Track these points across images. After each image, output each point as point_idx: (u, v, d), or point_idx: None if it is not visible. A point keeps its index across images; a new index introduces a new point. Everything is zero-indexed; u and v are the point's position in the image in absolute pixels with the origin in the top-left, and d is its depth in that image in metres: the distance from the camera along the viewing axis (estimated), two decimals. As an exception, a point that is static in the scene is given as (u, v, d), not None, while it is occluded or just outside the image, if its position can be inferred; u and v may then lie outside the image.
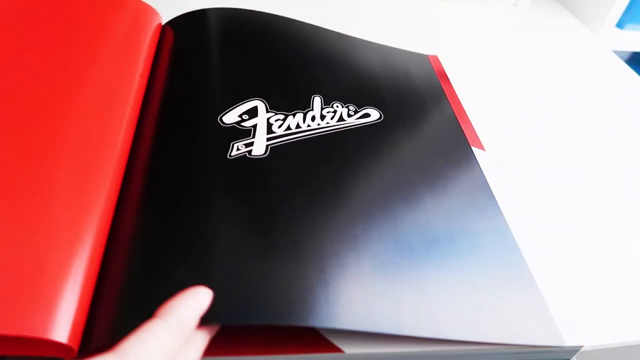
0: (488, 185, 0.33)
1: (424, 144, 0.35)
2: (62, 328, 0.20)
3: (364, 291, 0.25)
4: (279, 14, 0.42)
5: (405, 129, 0.35)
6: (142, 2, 0.37)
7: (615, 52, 0.58)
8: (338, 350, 0.24)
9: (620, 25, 0.62)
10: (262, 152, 0.30)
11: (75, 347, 0.21)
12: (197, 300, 0.20)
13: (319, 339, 0.24)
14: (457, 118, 0.38)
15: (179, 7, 0.40)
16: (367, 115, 0.35)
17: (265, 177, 0.28)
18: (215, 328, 0.22)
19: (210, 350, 0.23)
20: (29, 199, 0.24)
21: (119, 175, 0.27)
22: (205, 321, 0.21)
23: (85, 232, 0.24)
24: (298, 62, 0.37)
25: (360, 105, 0.35)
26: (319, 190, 0.28)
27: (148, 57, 0.34)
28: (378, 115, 0.35)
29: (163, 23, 0.39)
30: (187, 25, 0.38)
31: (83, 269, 0.22)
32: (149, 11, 0.37)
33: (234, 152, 0.29)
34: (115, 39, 0.33)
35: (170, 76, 0.34)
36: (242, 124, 0.31)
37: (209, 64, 0.34)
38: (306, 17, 0.43)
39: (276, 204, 0.27)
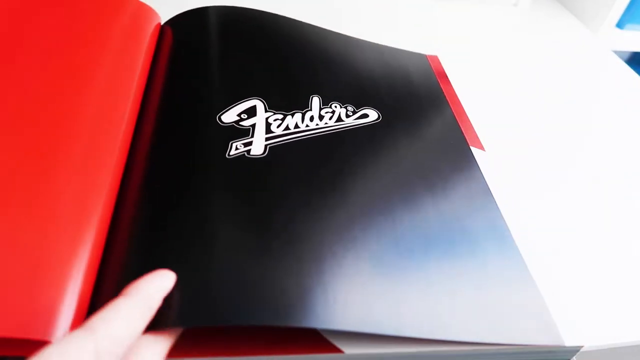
0: (487, 185, 0.33)
1: (423, 144, 0.35)
2: (61, 330, 0.20)
3: (363, 292, 0.24)
4: (278, 13, 0.42)
5: (403, 129, 0.35)
6: (141, 2, 0.37)
7: (615, 52, 0.58)
8: (338, 350, 0.24)
9: (620, 25, 0.62)
10: (261, 152, 0.29)
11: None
12: (161, 280, 0.21)
13: (319, 339, 0.24)
14: (456, 118, 0.38)
15: (178, 7, 0.40)
16: (366, 115, 0.35)
17: (265, 177, 0.28)
18: (179, 331, 0.22)
19: (210, 350, 0.23)
20: (30, 200, 0.24)
21: (118, 175, 0.27)
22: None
23: (86, 233, 0.24)
24: (297, 62, 0.37)
25: (358, 105, 0.35)
26: (318, 191, 0.28)
27: (147, 56, 0.34)
28: (376, 116, 0.35)
29: (162, 23, 0.39)
30: (186, 24, 0.38)
31: (83, 270, 0.22)
32: (148, 11, 0.37)
33: (233, 152, 0.29)
34: (115, 39, 0.33)
35: (170, 75, 0.34)
36: (241, 123, 0.31)
37: (208, 62, 0.34)
38: (304, 17, 0.43)
39: (275, 204, 0.27)
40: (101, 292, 0.23)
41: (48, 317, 0.20)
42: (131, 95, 0.31)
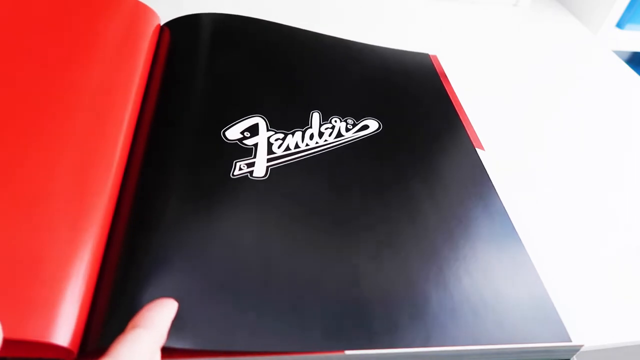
0: (494, 187, 0.33)
1: (426, 149, 0.34)
2: (63, 331, 0.20)
3: (389, 302, 0.25)
4: (279, 20, 0.41)
5: (405, 135, 0.35)
6: (140, 2, 0.37)
7: (615, 52, 0.58)
8: (338, 350, 0.24)
9: (620, 25, 0.62)
10: (263, 174, 0.30)
11: (75, 349, 0.21)
12: (170, 311, 0.22)
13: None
14: (460, 119, 0.38)
15: (177, 7, 0.40)
16: (366, 127, 0.35)
17: (264, 200, 0.28)
18: None
19: (210, 350, 0.23)
20: (28, 201, 0.24)
21: (118, 177, 0.27)
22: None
23: (87, 233, 0.24)
24: (297, 73, 0.37)
25: (359, 116, 0.35)
26: (314, 215, 0.29)
27: (147, 58, 0.34)
28: (377, 126, 0.35)
29: (162, 23, 0.39)
30: (186, 29, 0.38)
31: (84, 271, 0.22)
32: (147, 11, 0.37)
33: (237, 172, 0.29)
34: (114, 39, 0.33)
35: (169, 79, 0.34)
36: (244, 141, 0.31)
37: (209, 73, 0.34)
38: (305, 18, 0.43)
39: (272, 228, 0.27)
40: (100, 294, 0.23)
41: (47, 317, 0.20)
42: (131, 95, 0.31)
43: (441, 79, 0.42)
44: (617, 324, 0.28)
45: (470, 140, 0.36)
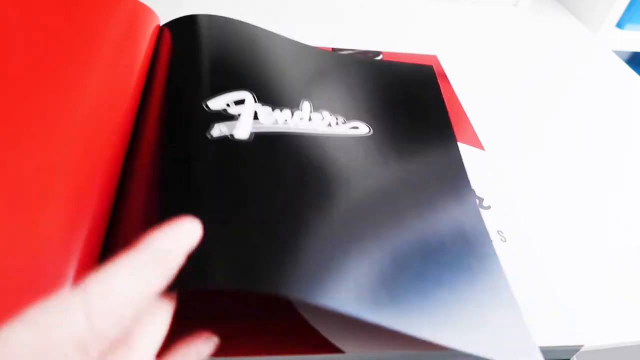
0: (474, 192, 0.32)
1: (415, 157, 0.34)
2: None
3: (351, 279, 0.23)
4: (278, 19, 0.41)
5: (396, 141, 0.34)
6: (140, 2, 0.37)
7: (615, 52, 0.58)
8: (338, 350, 0.24)
9: (620, 25, 0.62)
10: (246, 136, 0.28)
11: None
12: (182, 230, 0.17)
13: (319, 339, 0.24)
14: (452, 130, 0.37)
15: (177, 7, 0.40)
16: (356, 127, 0.34)
17: (249, 160, 0.27)
18: (174, 300, 0.19)
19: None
20: (29, 201, 0.24)
21: (116, 175, 0.27)
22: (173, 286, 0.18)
23: (84, 230, 0.24)
24: (294, 78, 0.37)
25: (348, 118, 0.35)
26: (303, 186, 0.27)
27: (146, 58, 0.34)
28: (367, 130, 0.35)
29: (162, 24, 0.39)
30: (186, 29, 0.38)
31: (81, 271, 0.22)
32: (147, 12, 0.37)
33: (216, 133, 0.28)
34: (113, 39, 0.33)
35: (168, 79, 0.34)
36: (228, 111, 0.29)
37: (209, 73, 0.34)
38: (305, 18, 0.43)
39: (257, 192, 0.26)
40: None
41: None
42: (130, 95, 0.31)
43: (439, 79, 0.42)
44: (617, 324, 0.28)
45: (459, 152, 0.35)
